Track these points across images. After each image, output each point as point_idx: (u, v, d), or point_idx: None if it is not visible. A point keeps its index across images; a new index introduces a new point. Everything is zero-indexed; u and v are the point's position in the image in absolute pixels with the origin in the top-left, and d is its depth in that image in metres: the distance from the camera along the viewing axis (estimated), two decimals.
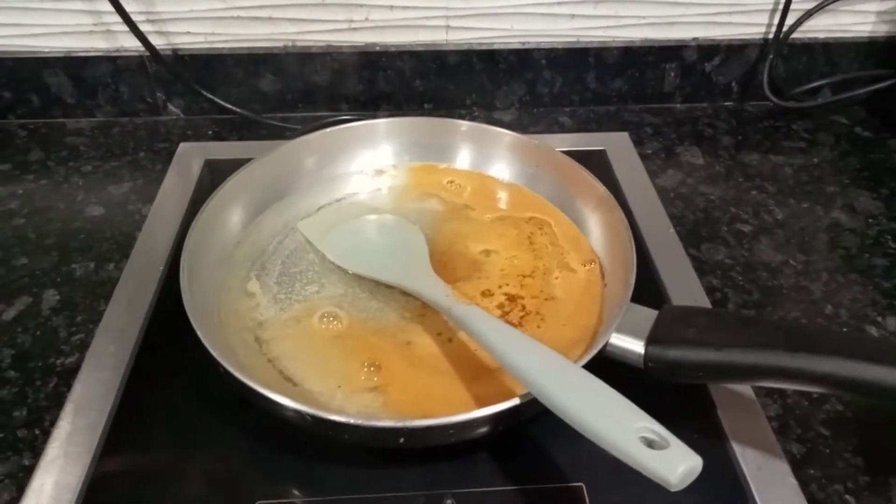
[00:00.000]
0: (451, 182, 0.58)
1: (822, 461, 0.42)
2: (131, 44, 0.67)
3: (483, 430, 0.38)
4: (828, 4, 0.71)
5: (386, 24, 0.70)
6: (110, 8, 0.63)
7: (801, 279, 0.55)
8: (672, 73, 0.75)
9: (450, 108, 0.75)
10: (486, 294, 0.49)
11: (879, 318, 0.52)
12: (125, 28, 0.64)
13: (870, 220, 0.61)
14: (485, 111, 0.75)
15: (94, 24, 0.67)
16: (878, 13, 0.74)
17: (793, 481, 0.39)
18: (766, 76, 0.73)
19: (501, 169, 0.58)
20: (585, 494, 0.38)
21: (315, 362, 0.43)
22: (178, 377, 0.44)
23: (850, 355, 0.33)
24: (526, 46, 0.72)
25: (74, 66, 0.69)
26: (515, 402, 0.35)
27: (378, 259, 0.51)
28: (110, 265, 0.55)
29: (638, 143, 0.70)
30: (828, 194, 0.65)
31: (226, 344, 0.41)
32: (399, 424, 0.35)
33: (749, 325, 0.38)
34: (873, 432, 0.44)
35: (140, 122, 0.72)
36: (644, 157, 0.68)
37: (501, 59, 0.72)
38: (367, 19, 0.69)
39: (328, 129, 0.57)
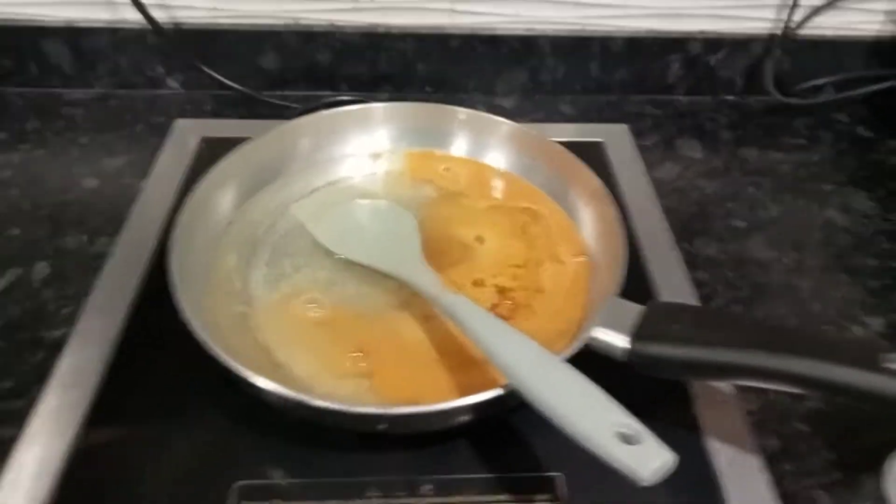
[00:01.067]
0: (448, 169, 0.58)
1: (798, 456, 0.42)
2: (132, 16, 0.66)
3: (464, 418, 0.38)
4: (837, 1, 0.71)
5: (390, 5, 0.69)
6: None
7: (791, 276, 0.55)
8: (676, 65, 0.74)
9: (451, 92, 0.75)
10: (478, 283, 0.49)
11: (866, 319, 0.52)
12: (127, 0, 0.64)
13: (864, 220, 0.61)
14: (486, 97, 0.75)
15: None
16: (887, 12, 0.73)
17: (764, 476, 0.40)
18: (770, 72, 0.73)
19: (497, 158, 0.58)
20: (565, 485, 0.38)
21: (302, 346, 0.43)
22: (164, 354, 0.44)
23: (826, 357, 0.33)
24: (530, 33, 0.71)
25: (74, 36, 0.68)
26: (496, 392, 0.36)
27: (369, 245, 0.51)
28: (103, 238, 0.54)
29: (638, 134, 0.70)
30: (824, 192, 0.64)
31: (213, 324, 0.41)
32: (380, 411, 0.35)
33: (731, 324, 0.39)
34: (851, 428, 0.44)
35: (138, 96, 0.72)
36: (643, 149, 0.67)
37: (504, 44, 0.71)
38: (371, 0, 0.69)
39: (324, 112, 0.57)
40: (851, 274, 0.56)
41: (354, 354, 0.43)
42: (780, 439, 0.43)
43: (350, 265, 0.50)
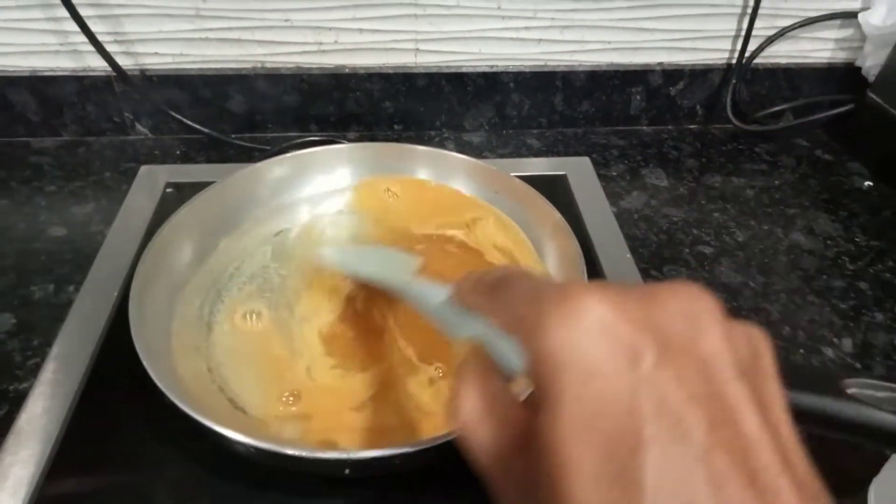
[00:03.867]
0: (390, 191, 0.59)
1: None
2: (98, 63, 0.66)
3: (429, 460, 0.37)
4: (788, 31, 0.73)
5: (355, 46, 0.70)
6: (77, 28, 0.63)
7: (759, 300, 0.56)
8: (638, 97, 0.76)
9: (419, 129, 0.75)
10: None
11: (836, 340, 0.52)
12: (92, 48, 0.64)
13: (828, 242, 0.62)
14: (454, 133, 0.76)
15: (61, 44, 0.67)
16: (837, 40, 0.75)
17: None
18: (729, 100, 0.74)
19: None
20: None
21: (252, 380, 0.44)
22: (127, 405, 0.43)
23: (789, 384, 0.33)
24: (494, 70, 0.72)
25: (39, 84, 0.68)
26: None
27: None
28: (70, 287, 0.54)
29: (604, 164, 0.71)
30: (788, 216, 0.65)
31: (174, 373, 0.41)
32: (344, 456, 0.35)
33: None
34: (832, 456, 0.44)
35: (106, 142, 0.72)
36: (609, 179, 0.68)
37: (470, 81, 0.73)
38: (336, 42, 0.69)
39: (287, 154, 0.57)
40: (819, 296, 0.56)
41: (286, 398, 0.43)
42: None
43: (316, 309, 0.49)
